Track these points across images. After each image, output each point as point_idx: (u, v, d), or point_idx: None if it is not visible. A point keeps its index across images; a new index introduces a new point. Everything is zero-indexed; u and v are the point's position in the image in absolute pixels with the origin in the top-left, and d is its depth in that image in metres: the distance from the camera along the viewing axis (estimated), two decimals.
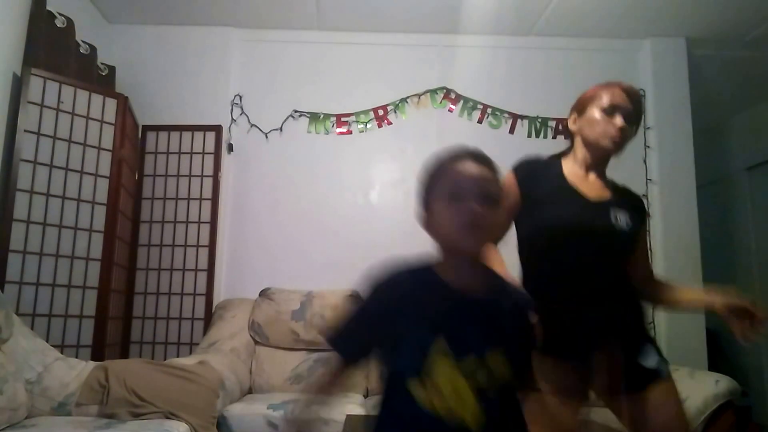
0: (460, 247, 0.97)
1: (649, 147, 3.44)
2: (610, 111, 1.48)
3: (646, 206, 1.61)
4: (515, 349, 0.95)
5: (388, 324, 0.95)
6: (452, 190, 0.98)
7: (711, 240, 3.71)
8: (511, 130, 3.51)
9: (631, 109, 1.49)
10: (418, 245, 3.79)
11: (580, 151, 1.54)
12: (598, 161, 1.52)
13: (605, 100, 1.49)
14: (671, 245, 3.30)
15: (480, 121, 3.52)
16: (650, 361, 1.43)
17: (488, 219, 0.95)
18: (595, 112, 1.49)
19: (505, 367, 0.93)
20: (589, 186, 1.50)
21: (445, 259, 1.01)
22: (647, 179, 3.42)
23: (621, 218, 1.45)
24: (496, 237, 0.99)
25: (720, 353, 4.05)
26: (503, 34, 3.52)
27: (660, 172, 3.41)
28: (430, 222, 1.03)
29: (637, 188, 1.71)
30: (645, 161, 3.44)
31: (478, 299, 0.97)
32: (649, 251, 1.66)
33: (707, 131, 4.10)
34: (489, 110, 3.53)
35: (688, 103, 3.48)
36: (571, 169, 1.53)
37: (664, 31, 3.47)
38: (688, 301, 1.53)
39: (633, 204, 1.53)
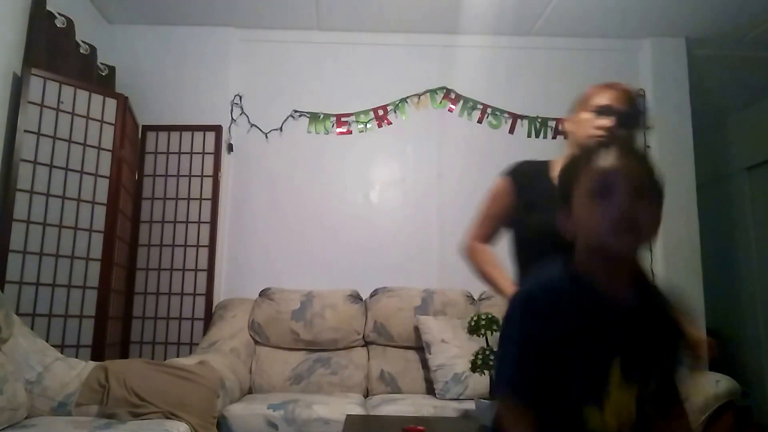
0: (615, 251, 0.85)
1: (648, 146, 3.44)
2: (600, 111, 1.46)
3: None
4: (671, 365, 0.89)
5: (558, 348, 0.85)
6: (599, 185, 0.86)
7: (711, 240, 3.71)
8: (511, 130, 3.51)
9: (625, 111, 1.46)
10: (418, 245, 3.81)
11: (571, 150, 1.53)
12: None
13: (596, 100, 1.48)
14: (671, 245, 3.30)
15: (480, 121, 3.52)
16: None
17: (643, 218, 0.84)
18: (585, 113, 1.48)
19: (656, 386, 0.87)
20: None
21: (593, 263, 0.89)
22: None
23: None
24: (652, 239, 0.87)
25: (721, 353, 4.05)
26: (503, 34, 3.52)
27: (660, 172, 3.40)
28: (574, 220, 0.91)
29: None
30: None
31: (645, 311, 0.88)
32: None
33: (707, 131, 4.09)
34: (489, 110, 3.53)
35: (688, 103, 3.49)
36: None
37: (663, 31, 3.47)
38: None
39: None
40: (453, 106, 3.54)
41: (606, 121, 1.44)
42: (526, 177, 1.53)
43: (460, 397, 2.61)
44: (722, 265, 4.32)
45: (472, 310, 3.00)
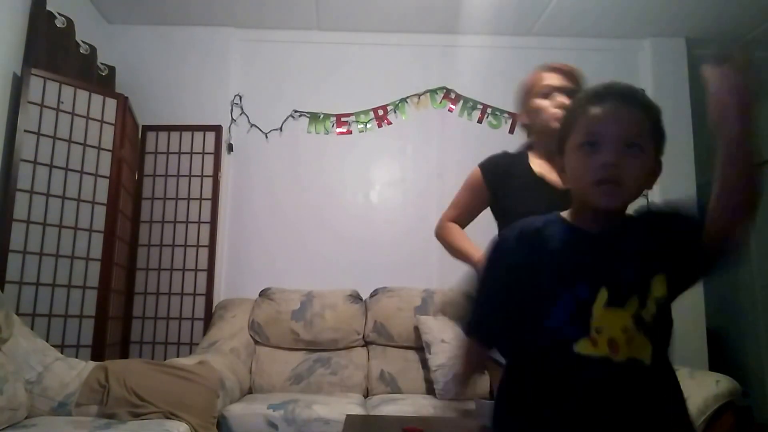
0: (595, 204, 0.85)
1: None
2: (547, 94, 1.49)
3: None
4: (675, 263, 0.85)
5: (534, 283, 0.85)
6: (581, 137, 0.85)
7: None
8: (511, 130, 3.51)
9: (569, 85, 1.48)
10: (418, 245, 3.81)
11: (536, 142, 1.58)
12: (555, 146, 1.54)
13: (539, 85, 1.51)
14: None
15: (480, 121, 3.52)
16: None
17: (628, 170, 0.82)
18: (534, 101, 1.51)
19: (664, 288, 0.85)
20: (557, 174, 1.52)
21: (581, 210, 0.89)
22: None
23: None
24: (641, 188, 0.85)
25: (721, 353, 4.04)
26: (503, 34, 3.52)
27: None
28: (564, 172, 0.90)
29: None
30: None
31: (621, 238, 0.87)
32: None
33: (707, 131, 4.09)
34: (489, 110, 3.53)
35: (688, 103, 3.48)
36: (538, 161, 1.56)
37: (663, 31, 3.47)
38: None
39: None
40: (453, 106, 3.54)
41: (561, 99, 1.46)
42: (499, 169, 1.57)
43: (460, 397, 2.61)
44: None
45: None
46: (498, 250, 0.91)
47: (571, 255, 0.87)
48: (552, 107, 1.48)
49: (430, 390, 2.78)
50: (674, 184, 3.41)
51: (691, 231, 0.85)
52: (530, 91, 1.55)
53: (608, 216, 0.87)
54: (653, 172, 0.89)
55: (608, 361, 0.81)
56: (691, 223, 0.86)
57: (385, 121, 3.51)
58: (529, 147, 1.63)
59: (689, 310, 3.21)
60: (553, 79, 1.50)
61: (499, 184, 1.55)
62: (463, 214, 1.63)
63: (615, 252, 0.87)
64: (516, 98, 1.62)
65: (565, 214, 0.92)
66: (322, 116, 3.50)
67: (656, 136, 0.87)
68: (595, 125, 0.84)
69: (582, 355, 0.82)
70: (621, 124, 0.83)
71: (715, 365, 3.19)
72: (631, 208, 0.93)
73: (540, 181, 1.50)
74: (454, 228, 1.62)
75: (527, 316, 0.86)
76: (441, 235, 1.65)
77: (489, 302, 0.91)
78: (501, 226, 1.54)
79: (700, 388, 2.43)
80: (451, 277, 3.27)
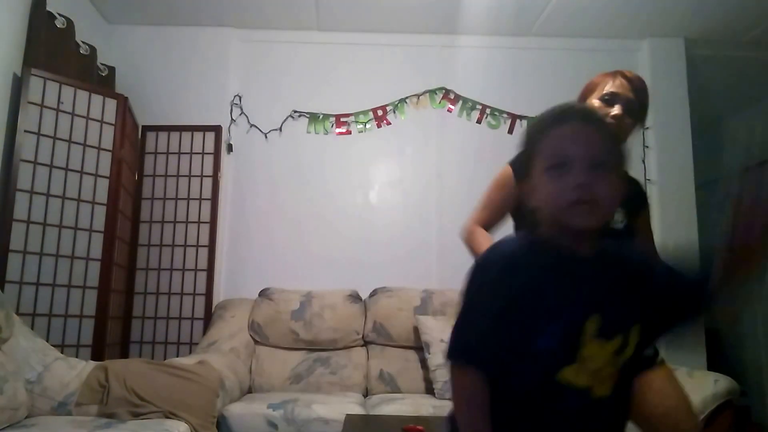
0: (572, 225, 0.83)
1: (647, 147, 3.45)
2: (608, 100, 1.44)
3: (644, 189, 1.57)
4: (654, 319, 0.86)
5: (526, 309, 0.82)
6: (551, 159, 0.84)
7: (710, 240, 3.71)
8: (510, 130, 3.52)
9: (633, 99, 1.44)
10: (418, 245, 3.81)
11: None
12: None
13: (605, 88, 1.46)
14: (670, 245, 3.30)
15: (479, 121, 3.53)
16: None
17: (601, 189, 0.81)
18: (595, 101, 1.47)
19: (638, 340, 0.85)
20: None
21: (558, 232, 0.86)
22: (646, 179, 3.42)
23: (616, 214, 1.43)
24: (615, 206, 0.85)
25: (719, 353, 4.05)
26: (502, 34, 3.53)
27: (659, 172, 3.41)
28: (532, 195, 0.88)
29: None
30: (644, 161, 3.45)
31: (620, 266, 0.87)
32: (652, 234, 1.61)
33: (706, 131, 4.10)
34: (488, 110, 3.53)
35: (687, 103, 3.49)
36: None
37: (662, 32, 3.48)
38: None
39: (631, 194, 1.47)
40: (452, 107, 3.55)
41: (614, 110, 1.43)
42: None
43: None
44: None
45: None
46: (482, 274, 0.87)
47: (560, 279, 0.85)
48: (605, 113, 1.42)
49: (429, 390, 2.79)
50: (673, 185, 3.43)
51: (692, 303, 0.89)
52: (593, 90, 1.50)
53: (589, 235, 0.86)
54: (620, 191, 0.88)
55: (588, 393, 0.82)
56: (693, 295, 0.89)
57: (385, 121, 3.51)
58: None
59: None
60: (618, 87, 1.45)
61: None
62: (494, 216, 1.56)
63: (607, 279, 0.86)
64: (579, 93, 1.56)
65: (537, 233, 0.90)
66: (321, 116, 3.50)
67: (623, 158, 0.88)
68: (562, 147, 0.83)
69: (563, 384, 0.81)
70: (588, 144, 0.83)
71: (713, 365, 3.20)
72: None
73: None
74: (481, 234, 1.55)
75: (513, 341, 0.84)
76: (468, 240, 1.57)
77: (474, 325, 0.86)
78: (519, 228, 1.51)
79: (699, 388, 2.43)
80: (451, 277, 3.30)
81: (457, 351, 0.85)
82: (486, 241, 1.54)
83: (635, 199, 1.51)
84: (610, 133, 0.87)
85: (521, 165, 0.92)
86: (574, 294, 0.84)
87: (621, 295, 0.85)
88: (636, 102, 1.45)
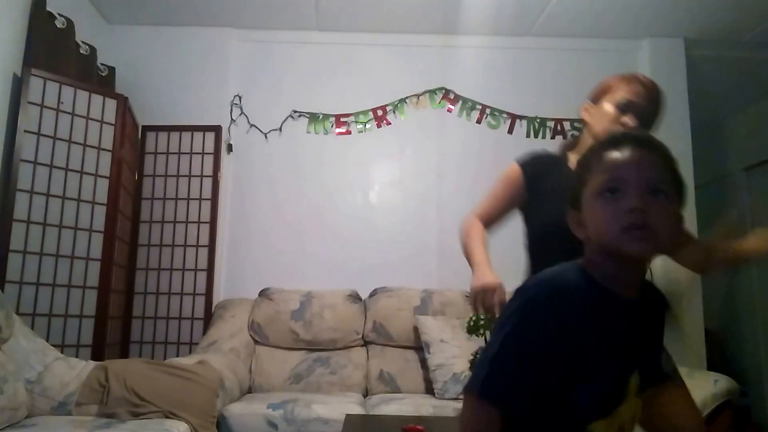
0: (625, 252, 0.77)
1: None
2: (623, 107, 1.41)
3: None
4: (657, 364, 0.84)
5: (568, 355, 0.76)
6: (605, 183, 0.80)
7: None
8: (510, 131, 3.52)
9: (648, 107, 1.41)
10: (418, 245, 3.81)
11: (587, 141, 1.47)
12: None
13: (621, 94, 1.42)
14: None
15: (479, 122, 3.53)
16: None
17: (657, 216, 0.76)
18: (609, 105, 1.43)
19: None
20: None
21: (606, 266, 0.81)
22: None
23: None
24: (671, 236, 0.78)
25: (719, 353, 4.05)
26: (502, 34, 3.53)
27: None
28: (584, 222, 0.84)
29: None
30: None
31: (655, 311, 0.83)
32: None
33: (705, 131, 4.10)
34: (488, 110, 3.53)
35: (687, 103, 3.49)
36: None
37: (662, 32, 3.48)
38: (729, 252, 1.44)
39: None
40: (452, 107, 3.55)
41: (628, 119, 1.39)
42: (539, 169, 1.50)
43: (459, 397, 2.61)
44: None
45: (471, 310, 3.00)
46: (529, 309, 0.78)
47: (609, 328, 0.79)
48: (617, 121, 1.40)
49: (429, 389, 2.79)
50: None
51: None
52: (606, 92, 1.47)
53: (634, 273, 0.81)
54: (680, 221, 0.83)
55: None
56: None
57: (384, 121, 3.51)
58: (569, 147, 1.55)
59: (688, 310, 3.22)
60: (635, 95, 1.41)
61: (537, 181, 1.47)
62: (496, 211, 1.53)
63: (646, 328, 0.82)
64: (591, 91, 1.52)
65: (584, 264, 0.84)
66: (321, 116, 3.50)
67: (677, 185, 0.82)
68: (617, 170, 0.79)
69: None
70: (645, 168, 0.79)
71: (713, 365, 3.20)
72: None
73: None
74: (475, 225, 1.52)
75: (552, 389, 0.77)
76: (461, 230, 1.55)
77: (511, 365, 0.77)
78: (529, 229, 1.49)
79: (699, 388, 2.43)
80: (450, 277, 3.31)
81: (485, 390, 0.77)
82: (475, 231, 1.51)
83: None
84: (668, 159, 0.82)
85: (574, 193, 0.87)
86: (619, 348, 0.78)
87: (654, 343, 0.82)
88: (650, 112, 1.42)
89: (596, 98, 1.49)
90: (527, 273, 1.48)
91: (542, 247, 1.43)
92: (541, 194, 1.46)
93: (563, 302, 0.77)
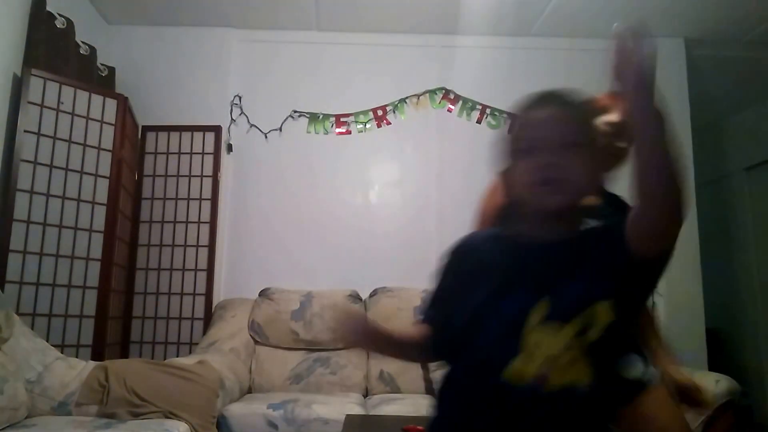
0: (539, 206, 0.82)
1: None
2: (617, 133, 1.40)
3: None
4: (622, 289, 0.78)
5: (466, 298, 0.82)
6: (518, 143, 0.84)
7: (710, 240, 3.72)
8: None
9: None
10: (418, 245, 3.81)
11: None
12: None
13: (613, 114, 1.42)
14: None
15: (479, 122, 3.53)
16: (633, 372, 1.37)
17: (569, 168, 0.79)
18: (604, 126, 1.43)
19: (611, 314, 0.77)
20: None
21: (530, 219, 0.85)
22: None
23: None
24: (589, 185, 0.81)
25: (720, 353, 4.05)
26: (502, 34, 3.52)
27: None
28: (506, 182, 0.88)
29: None
30: None
31: (573, 248, 0.82)
32: None
33: (706, 131, 4.10)
34: (488, 110, 3.53)
35: (687, 104, 3.49)
36: None
37: (662, 32, 3.47)
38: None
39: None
40: (452, 107, 3.55)
41: (622, 143, 1.39)
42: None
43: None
44: (722, 265, 4.32)
45: None
46: (443, 257, 0.92)
47: (507, 266, 0.83)
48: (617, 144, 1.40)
49: (429, 390, 2.78)
50: None
51: (615, 247, 0.80)
52: (603, 111, 1.47)
53: (559, 222, 0.83)
54: (599, 169, 0.87)
55: (539, 388, 0.76)
56: (613, 238, 0.80)
57: (385, 121, 3.51)
58: None
59: (688, 309, 3.22)
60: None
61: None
62: (485, 226, 1.55)
63: (565, 263, 0.81)
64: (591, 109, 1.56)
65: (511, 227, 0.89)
66: (321, 116, 3.50)
67: (595, 137, 0.86)
68: (529, 130, 0.84)
69: (510, 381, 0.77)
70: (554, 125, 0.82)
71: (714, 365, 3.19)
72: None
73: None
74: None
75: (461, 332, 0.83)
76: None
77: (430, 297, 0.95)
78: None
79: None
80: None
81: (420, 316, 0.95)
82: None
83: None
84: (579, 113, 0.86)
85: (499, 157, 0.91)
86: (520, 281, 0.81)
87: (582, 275, 0.79)
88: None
89: (594, 118, 1.51)
90: None
91: None
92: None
93: (463, 248, 0.90)
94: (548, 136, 0.81)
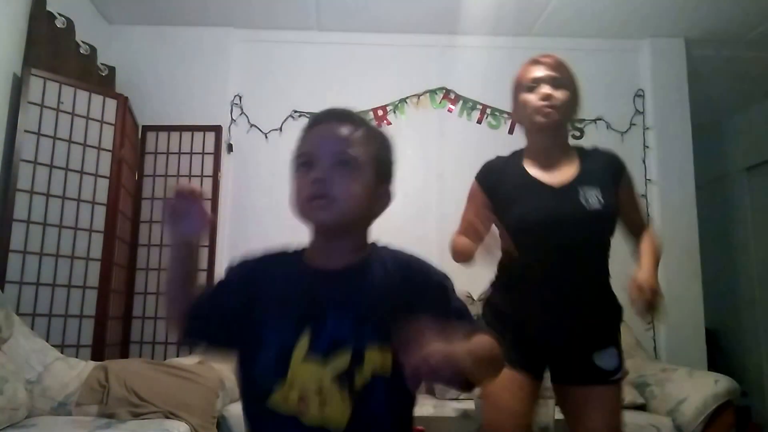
0: (309, 220, 0.85)
1: (648, 147, 3.45)
2: (531, 87, 1.49)
3: (619, 160, 1.54)
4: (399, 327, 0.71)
5: (249, 312, 0.82)
6: (298, 159, 0.86)
7: (710, 240, 3.72)
8: (511, 131, 3.51)
9: (554, 74, 1.50)
10: (418, 245, 3.79)
11: (528, 139, 1.55)
12: (547, 141, 1.51)
13: (523, 79, 1.52)
14: (670, 245, 3.29)
15: (479, 122, 3.53)
16: (606, 363, 1.39)
17: (340, 185, 0.80)
18: (521, 95, 1.51)
19: (384, 356, 0.76)
20: (552, 172, 1.48)
21: (313, 240, 0.88)
22: (646, 179, 3.42)
23: (591, 196, 1.41)
24: (359, 208, 0.83)
25: (719, 353, 4.05)
26: (502, 34, 3.52)
27: (659, 173, 3.41)
28: (291, 197, 0.88)
29: (637, 188, 1.68)
30: (644, 161, 3.45)
31: (341, 276, 0.82)
32: (638, 203, 1.60)
33: (706, 131, 4.10)
34: (488, 110, 3.53)
35: (687, 104, 3.49)
36: (532, 160, 1.53)
37: (663, 32, 3.47)
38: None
39: (604, 167, 1.48)
40: (452, 107, 3.55)
41: (542, 89, 1.47)
42: (492, 174, 1.57)
43: (460, 397, 2.61)
44: (721, 266, 4.32)
45: (471, 310, 2.99)
46: (230, 269, 0.90)
47: (284, 293, 0.82)
48: (536, 100, 1.46)
49: (429, 390, 2.78)
50: (673, 185, 3.43)
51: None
52: (518, 87, 1.55)
53: (337, 244, 0.84)
54: (378, 196, 0.89)
55: (297, 422, 0.75)
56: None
57: (385, 121, 3.51)
58: (525, 149, 1.61)
59: (688, 309, 3.22)
60: (536, 71, 1.51)
61: (494, 188, 1.53)
62: (470, 227, 1.54)
63: (340, 291, 0.81)
64: (510, 97, 1.60)
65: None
66: None
67: (377, 162, 0.86)
68: (307, 145, 0.85)
69: (274, 411, 0.76)
70: (332, 141, 0.83)
71: (713, 365, 3.20)
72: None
73: (534, 181, 1.47)
74: (455, 237, 1.57)
75: (241, 358, 0.83)
76: (451, 249, 1.59)
77: (206, 295, 0.91)
78: (503, 232, 1.50)
79: (699, 388, 2.43)
80: (451, 277, 3.26)
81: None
82: (457, 239, 1.56)
83: (607, 170, 1.48)
84: (362, 133, 0.85)
85: (291, 171, 0.91)
86: (290, 310, 0.80)
87: (357, 307, 0.79)
88: (560, 77, 1.50)
89: (513, 97, 1.57)
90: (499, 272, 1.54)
91: (519, 244, 1.42)
92: (501, 199, 1.51)
93: (245, 266, 0.89)
94: (325, 152, 0.82)
